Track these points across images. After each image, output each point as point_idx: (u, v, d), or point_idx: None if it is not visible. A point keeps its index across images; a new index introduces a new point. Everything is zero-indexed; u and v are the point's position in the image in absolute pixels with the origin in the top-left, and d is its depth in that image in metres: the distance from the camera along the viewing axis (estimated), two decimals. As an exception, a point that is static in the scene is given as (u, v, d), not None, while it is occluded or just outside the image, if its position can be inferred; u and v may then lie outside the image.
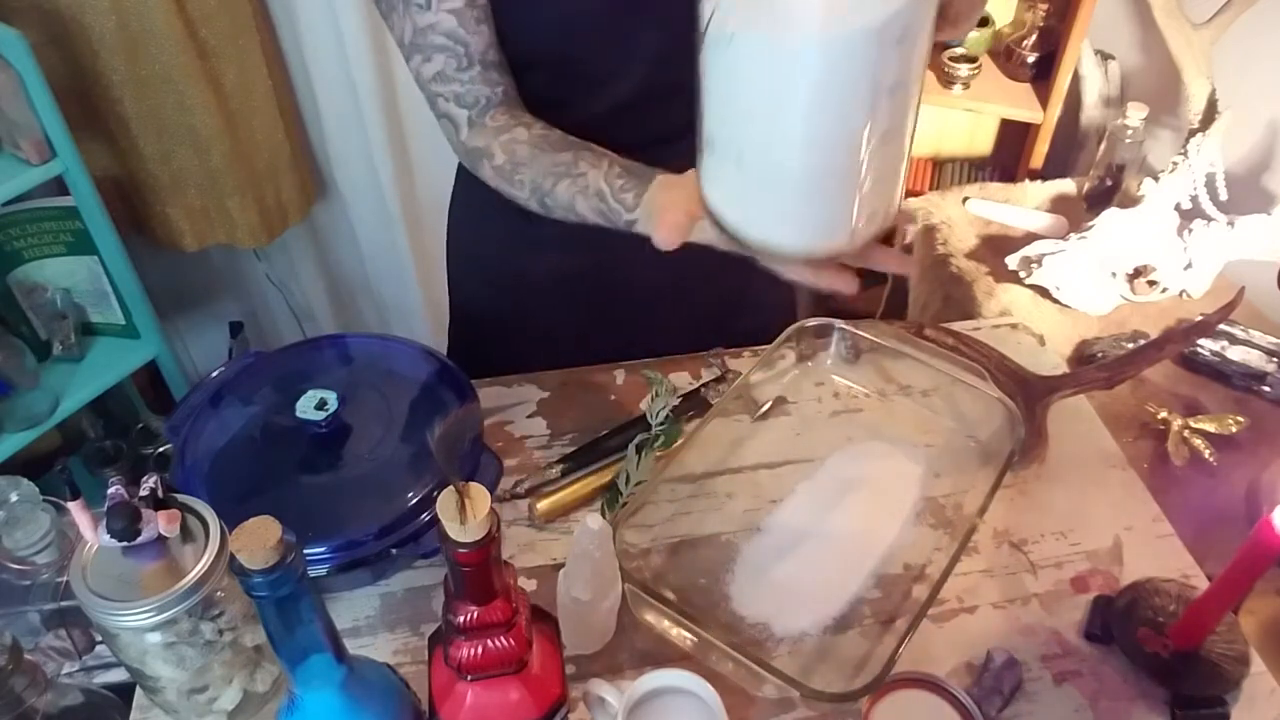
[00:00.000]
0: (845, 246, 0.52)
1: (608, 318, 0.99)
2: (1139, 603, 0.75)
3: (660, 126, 0.78)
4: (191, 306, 1.91)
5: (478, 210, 0.92)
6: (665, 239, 0.61)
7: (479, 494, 0.47)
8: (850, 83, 0.45)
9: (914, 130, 0.50)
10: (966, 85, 1.88)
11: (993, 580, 0.80)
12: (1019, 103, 1.86)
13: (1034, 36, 1.85)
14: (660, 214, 0.61)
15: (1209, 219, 1.45)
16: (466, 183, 1.00)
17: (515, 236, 0.79)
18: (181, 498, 0.62)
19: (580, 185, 0.72)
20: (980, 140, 2.12)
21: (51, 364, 1.54)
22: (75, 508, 0.58)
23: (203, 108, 1.50)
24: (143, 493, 0.60)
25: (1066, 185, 1.71)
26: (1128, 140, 1.54)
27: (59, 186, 1.41)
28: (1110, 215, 1.45)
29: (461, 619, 0.51)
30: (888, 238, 0.56)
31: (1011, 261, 1.48)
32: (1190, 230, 1.43)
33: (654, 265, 0.72)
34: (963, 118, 2.07)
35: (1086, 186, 1.65)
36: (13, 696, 0.60)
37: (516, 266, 0.81)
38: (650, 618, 0.73)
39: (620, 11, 0.78)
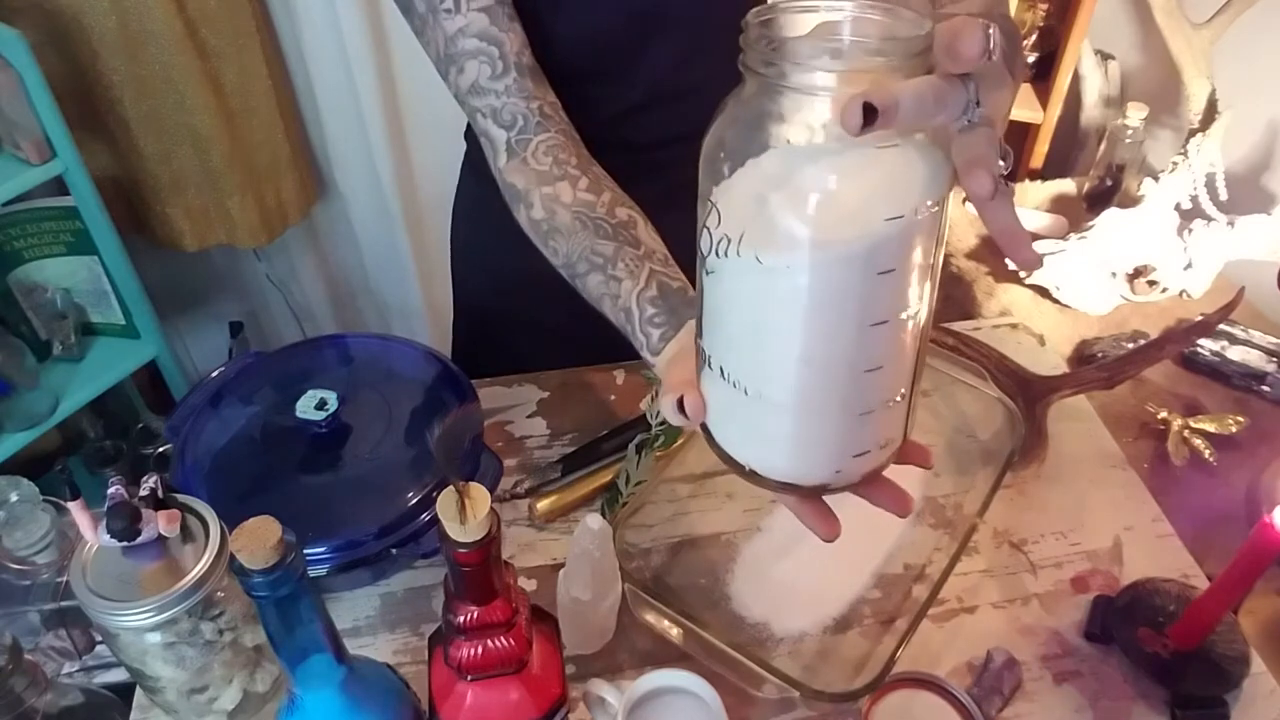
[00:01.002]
0: (828, 481, 0.48)
1: None
2: (1139, 603, 0.75)
3: (669, 128, 0.77)
4: (191, 306, 1.91)
5: (481, 205, 0.93)
6: (669, 418, 0.56)
7: (479, 494, 0.47)
8: (833, 310, 0.42)
9: (918, 366, 0.48)
10: (966, 85, 1.87)
11: (993, 580, 0.80)
12: (1019, 103, 1.86)
13: (1034, 36, 1.85)
14: (666, 392, 0.55)
15: (1209, 219, 1.45)
16: (470, 177, 1.00)
17: (518, 232, 0.79)
18: (181, 498, 0.62)
19: (612, 290, 0.67)
20: (980, 140, 2.12)
21: (51, 364, 1.54)
22: (75, 508, 0.58)
23: (203, 108, 1.50)
24: (143, 493, 0.60)
25: (1066, 185, 1.71)
26: (1128, 140, 1.54)
27: (59, 186, 1.41)
28: (1110, 215, 1.45)
29: (461, 619, 0.51)
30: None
31: (1011, 261, 1.48)
32: (1190, 230, 1.43)
33: None
34: (963, 118, 2.07)
35: (1086, 186, 1.65)
36: (13, 696, 0.60)
37: (520, 262, 0.81)
38: (650, 618, 0.73)
39: (636, 24, 0.78)
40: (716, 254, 0.44)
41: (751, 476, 0.49)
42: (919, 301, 0.44)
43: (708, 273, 0.46)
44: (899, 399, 0.47)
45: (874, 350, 0.44)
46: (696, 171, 0.48)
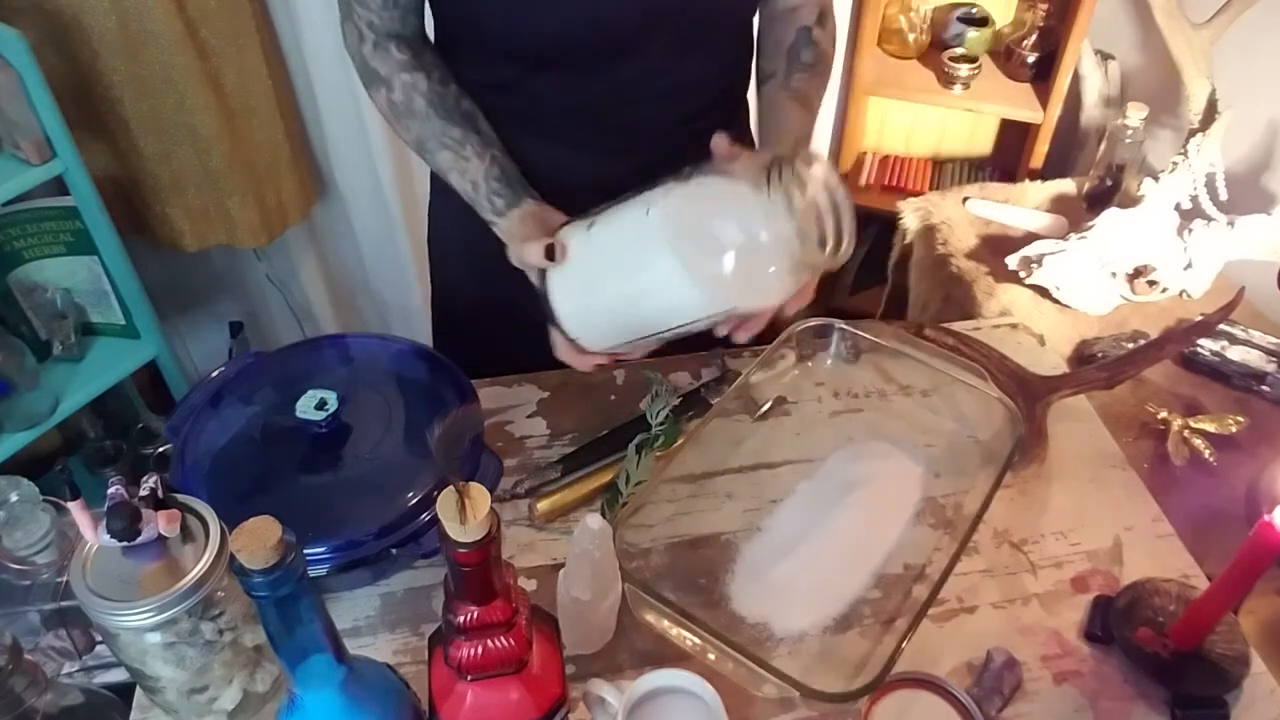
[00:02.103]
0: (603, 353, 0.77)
1: None
2: (1139, 603, 0.75)
3: (650, 123, 0.81)
4: (191, 306, 1.91)
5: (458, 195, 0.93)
6: (527, 263, 0.74)
7: (479, 494, 0.47)
8: (690, 310, 0.67)
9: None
10: (966, 85, 1.88)
11: (993, 580, 0.80)
12: (1019, 103, 1.86)
13: (1034, 36, 1.85)
14: (533, 240, 0.73)
15: (1209, 219, 1.45)
16: None
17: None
18: (181, 498, 0.62)
19: (460, 166, 0.82)
20: (980, 140, 2.12)
21: (51, 364, 1.54)
22: (75, 508, 0.58)
23: (203, 108, 1.50)
24: (143, 493, 0.60)
25: (1066, 185, 1.71)
26: (1128, 140, 1.54)
27: (59, 186, 1.41)
28: (1110, 215, 1.45)
29: (461, 619, 0.51)
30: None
31: (1011, 261, 1.48)
32: (1190, 230, 1.43)
33: None
34: (963, 118, 2.07)
35: (1086, 186, 1.65)
36: (13, 696, 0.60)
37: (498, 251, 0.82)
38: (650, 618, 0.73)
39: (628, 27, 0.78)
40: (652, 229, 0.65)
41: (554, 323, 0.74)
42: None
43: (637, 213, 0.66)
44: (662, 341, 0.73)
45: (693, 327, 0.69)
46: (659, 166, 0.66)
